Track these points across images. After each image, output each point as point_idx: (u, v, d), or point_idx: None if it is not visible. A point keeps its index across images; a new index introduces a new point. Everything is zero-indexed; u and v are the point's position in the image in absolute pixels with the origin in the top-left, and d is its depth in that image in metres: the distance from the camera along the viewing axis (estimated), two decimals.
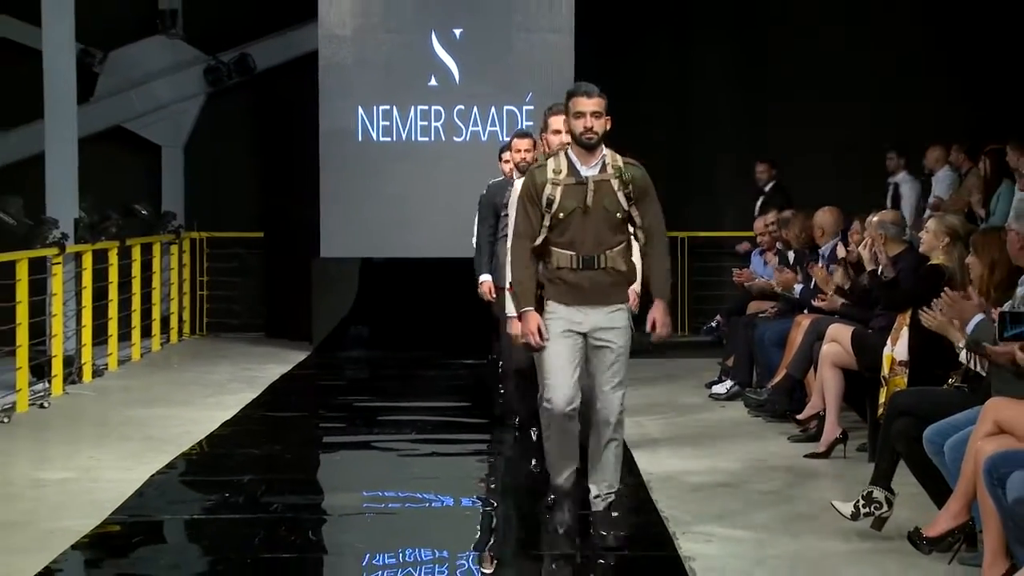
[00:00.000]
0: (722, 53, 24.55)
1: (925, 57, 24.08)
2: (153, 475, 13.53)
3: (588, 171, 10.17)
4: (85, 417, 17.09)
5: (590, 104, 9.92)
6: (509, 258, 10.66)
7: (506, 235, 15.27)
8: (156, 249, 23.16)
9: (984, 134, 18.97)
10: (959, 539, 9.42)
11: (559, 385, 10.29)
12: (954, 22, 24.05)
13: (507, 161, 15.71)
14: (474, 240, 16.12)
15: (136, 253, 22.17)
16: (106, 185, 22.40)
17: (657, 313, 10.46)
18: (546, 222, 10.12)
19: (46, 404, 17.60)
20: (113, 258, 21.16)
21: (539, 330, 10.18)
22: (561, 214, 10.05)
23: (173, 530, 12.28)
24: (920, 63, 24.01)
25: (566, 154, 10.24)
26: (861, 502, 10.71)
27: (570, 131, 10.70)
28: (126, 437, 15.54)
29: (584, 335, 10.41)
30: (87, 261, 20.00)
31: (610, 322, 10.36)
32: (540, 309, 10.44)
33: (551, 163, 10.32)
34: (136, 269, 22.11)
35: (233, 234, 25.15)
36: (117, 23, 24.84)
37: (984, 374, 9.95)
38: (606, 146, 10.78)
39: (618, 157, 10.12)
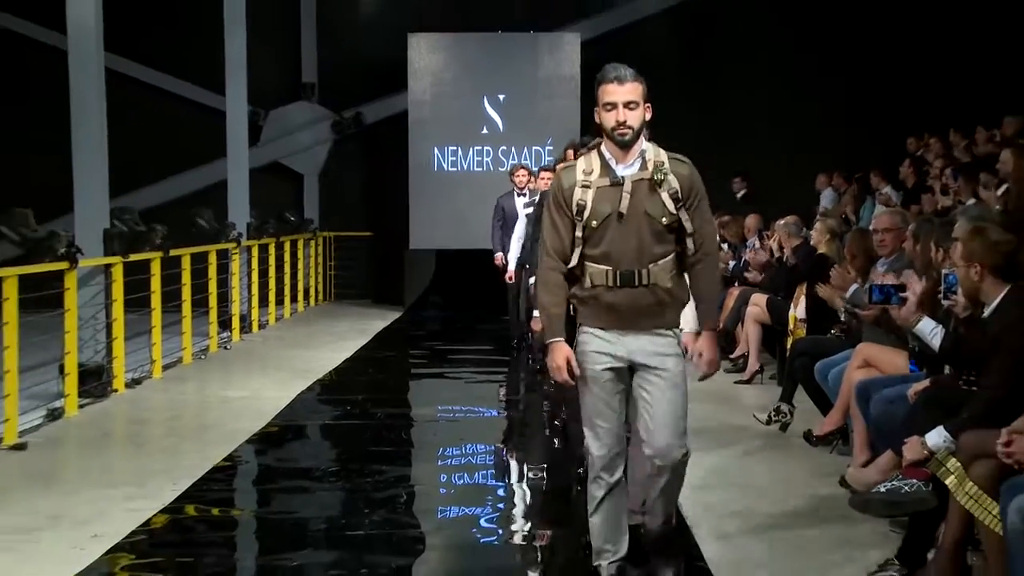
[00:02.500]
0: (691, 102, 23.75)
1: (840, 103, 23.35)
2: (298, 394, 13.68)
3: (625, 170, 6.16)
4: (254, 356, 17.19)
5: (623, 93, 6.08)
6: (536, 280, 6.77)
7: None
8: (300, 244, 23.17)
9: (858, 162, 18.82)
10: (837, 438, 9.60)
11: (602, 430, 6.29)
12: (848, 73, 23.29)
13: (517, 178, 16.65)
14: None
15: (287, 246, 22.25)
16: (267, 201, 22.35)
17: (705, 345, 6.47)
18: (579, 232, 6.13)
19: (228, 347, 17.82)
20: (272, 249, 21.33)
21: (568, 364, 6.20)
22: (594, 222, 6.08)
23: (312, 431, 12.43)
24: (832, 106, 23.28)
25: (599, 152, 6.25)
26: (772, 413, 10.96)
27: (601, 125, 6.60)
28: (281, 368, 15.69)
29: (628, 368, 6.29)
30: (255, 251, 20.24)
31: (657, 348, 6.22)
32: (573, 335, 6.41)
33: (581, 162, 6.34)
34: (287, 257, 22.17)
35: (351, 233, 25.12)
36: (274, 92, 24.72)
37: (856, 327, 10.02)
38: (648, 139, 6.67)
39: (661, 151, 6.28)
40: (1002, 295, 6.89)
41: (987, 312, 6.97)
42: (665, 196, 6.14)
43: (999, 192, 11.68)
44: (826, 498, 8.51)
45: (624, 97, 6.09)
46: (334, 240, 25.26)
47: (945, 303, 7.57)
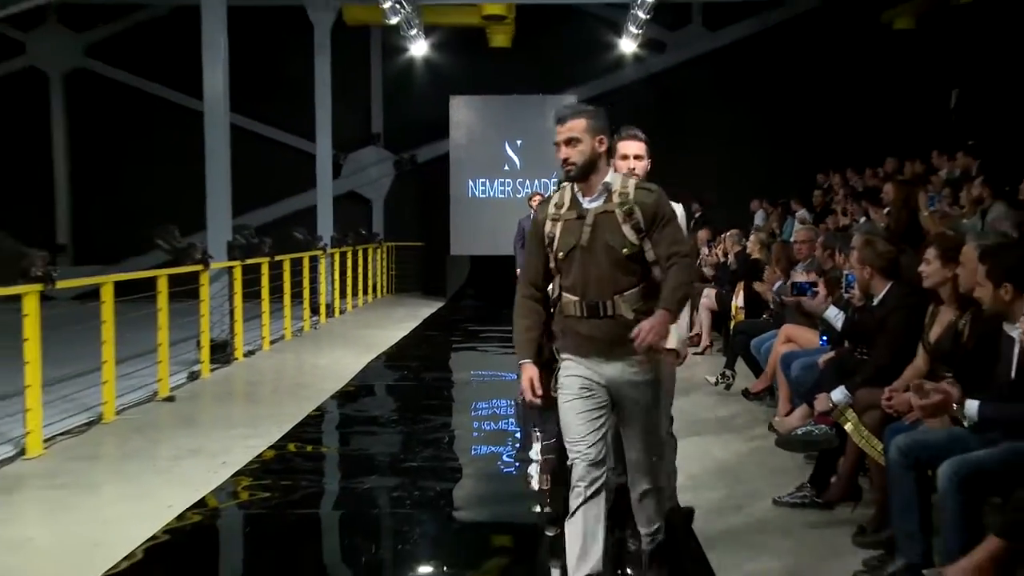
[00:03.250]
0: (660, 146, 23.70)
1: (767, 148, 23.46)
2: (369, 362, 13.72)
3: (590, 203, 4.94)
4: (336, 334, 17.15)
5: (563, 131, 4.91)
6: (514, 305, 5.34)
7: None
8: (370, 251, 23.13)
9: (781, 191, 18.91)
10: (767, 394, 9.52)
11: (577, 439, 4.96)
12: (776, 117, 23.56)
13: (533, 203, 14.78)
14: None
15: (360, 253, 22.15)
16: (345, 220, 22.35)
17: (652, 319, 4.79)
18: (552, 263, 5.00)
19: (317, 327, 17.80)
20: (349, 255, 21.24)
21: (532, 385, 4.99)
22: (560, 253, 4.91)
23: (379, 390, 12.48)
24: (761, 150, 23.40)
25: (572, 186, 5.04)
26: (720, 376, 10.90)
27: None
28: (355, 343, 15.61)
29: (609, 391, 5.01)
30: (336, 257, 20.24)
31: (629, 376, 4.95)
32: (552, 362, 5.16)
33: (555, 197, 5.19)
34: (360, 261, 22.09)
35: (407, 243, 25.11)
36: (351, 139, 24.74)
37: (780, 312, 10.02)
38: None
39: (631, 182, 5.01)
40: (886, 289, 6.88)
41: (875, 302, 6.97)
42: (627, 228, 4.80)
43: (884, 213, 11.71)
44: (758, 438, 8.50)
45: (564, 135, 4.91)
46: (394, 248, 25.23)
47: (845, 295, 7.60)
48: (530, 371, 4.94)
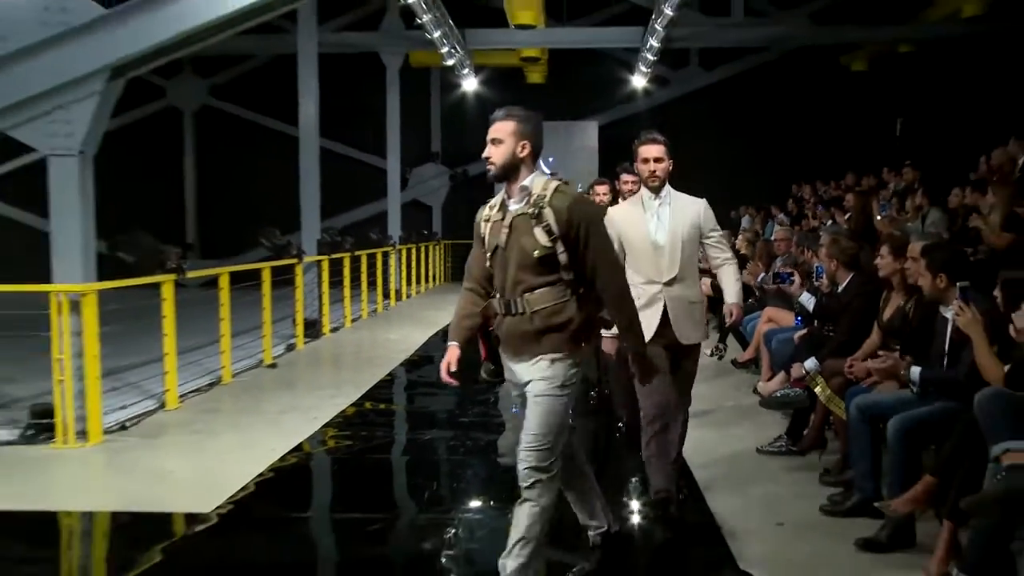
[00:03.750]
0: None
1: (752, 164, 23.32)
2: (429, 337, 13.67)
3: (513, 205, 4.16)
4: (402, 314, 17.16)
5: (490, 131, 4.19)
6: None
7: None
8: (430, 247, 23.13)
9: (763, 199, 18.82)
10: (752, 364, 9.47)
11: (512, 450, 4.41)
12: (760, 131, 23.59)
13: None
14: None
15: (422, 249, 22.12)
16: (410, 222, 22.44)
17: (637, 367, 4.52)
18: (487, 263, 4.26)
19: (388, 309, 17.79)
20: (414, 251, 21.19)
21: (448, 365, 4.26)
22: (488, 253, 4.22)
23: (437, 359, 12.29)
24: (746, 165, 23.24)
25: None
26: (714, 349, 10.79)
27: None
28: (418, 322, 15.54)
29: (522, 387, 4.20)
30: (403, 253, 20.22)
31: (534, 374, 4.10)
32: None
33: (493, 200, 4.38)
34: (422, 255, 22.08)
35: (460, 241, 24.98)
36: (415, 157, 24.80)
37: (763, 297, 9.97)
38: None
39: (552, 186, 4.13)
40: (849, 279, 6.88)
41: (840, 289, 6.96)
42: (539, 231, 3.98)
43: (846, 218, 11.69)
44: (745, 399, 8.47)
45: (490, 136, 4.21)
46: (450, 245, 25.20)
47: (816, 283, 7.57)
48: (452, 354, 4.23)
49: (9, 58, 7.43)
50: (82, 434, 7.18)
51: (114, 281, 7.87)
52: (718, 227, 5.55)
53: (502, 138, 4.15)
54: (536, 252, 4.01)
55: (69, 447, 7.11)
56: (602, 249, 4.10)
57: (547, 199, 4.04)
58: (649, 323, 5.02)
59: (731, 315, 5.55)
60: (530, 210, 4.05)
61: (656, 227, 5.29)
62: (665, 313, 5.18)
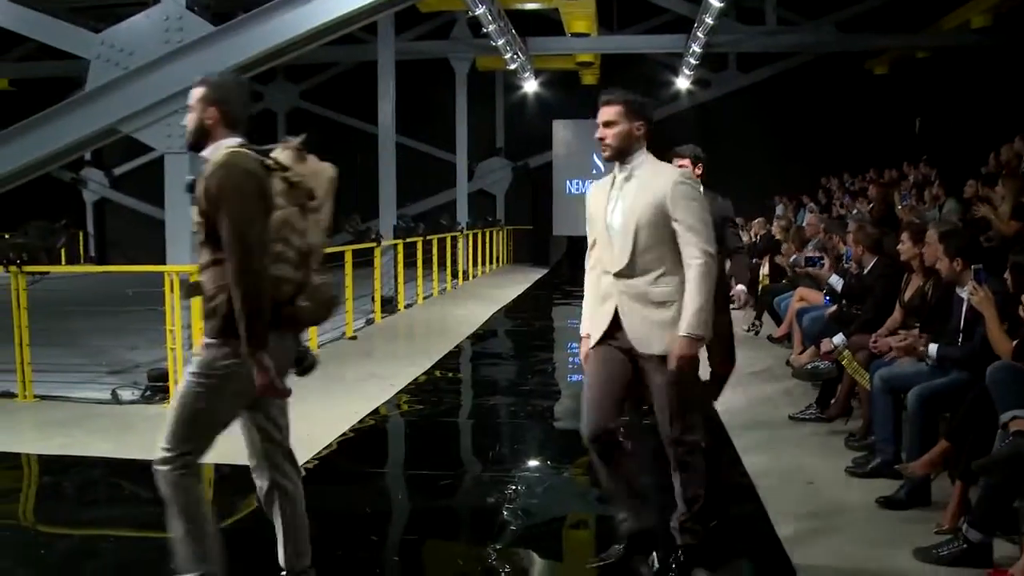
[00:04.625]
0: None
1: (785, 157, 23.04)
2: (492, 313, 13.75)
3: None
4: (470, 292, 17.16)
5: None
6: None
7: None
8: (495, 232, 23.12)
9: (796, 190, 18.67)
10: (785, 339, 9.32)
11: None
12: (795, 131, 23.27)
13: None
14: None
15: (488, 234, 22.08)
16: (477, 210, 22.53)
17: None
18: None
19: (456, 288, 17.78)
20: (480, 236, 21.15)
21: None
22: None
23: (500, 333, 12.45)
24: (781, 158, 22.95)
25: None
26: (750, 325, 10.76)
27: None
28: (483, 299, 15.57)
29: None
30: (471, 237, 20.22)
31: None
32: None
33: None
34: (488, 239, 22.05)
35: (521, 226, 25.13)
36: (481, 152, 24.73)
37: (795, 278, 9.86)
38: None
39: (221, 157, 3.08)
40: (873, 262, 6.82)
41: (865, 271, 6.89)
42: (194, 207, 3.17)
43: (869, 207, 11.53)
44: (778, 371, 8.40)
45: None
46: (512, 231, 25.21)
47: (844, 266, 7.48)
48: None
49: (136, 71, 7.81)
50: None
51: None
52: (701, 213, 3.65)
53: (191, 105, 3.35)
54: (195, 227, 3.20)
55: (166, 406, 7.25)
56: (227, 228, 3.06)
57: (204, 173, 3.14)
58: (599, 322, 3.85)
59: (676, 359, 3.58)
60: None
61: (614, 207, 3.78)
62: (617, 312, 3.76)
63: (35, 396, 7.56)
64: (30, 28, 9.10)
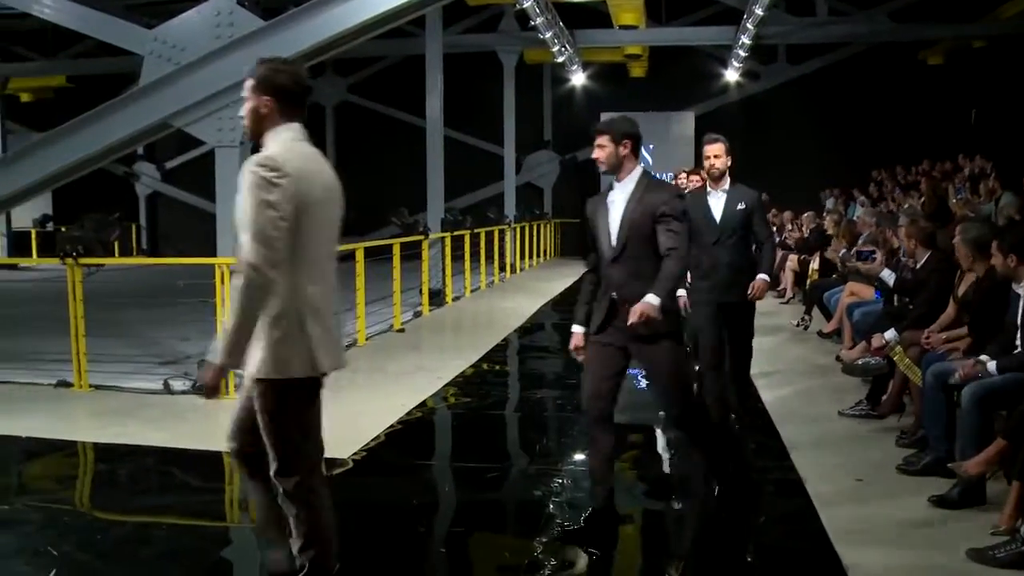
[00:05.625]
0: (752, 151, 23.30)
1: (836, 152, 22.75)
2: (539, 306, 13.74)
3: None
4: (515, 286, 17.18)
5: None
6: None
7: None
8: (542, 225, 23.13)
9: (846, 183, 18.38)
10: (835, 334, 9.22)
11: None
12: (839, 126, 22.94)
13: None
14: None
15: (535, 227, 22.10)
16: (525, 203, 22.56)
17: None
18: None
19: (504, 281, 17.79)
20: (527, 229, 21.18)
21: None
22: None
23: (547, 326, 12.42)
24: (831, 153, 22.67)
25: None
26: (800, 320, 10.61)
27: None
28: (530, 292, 15.57)
29: None
30: (518, 230, 20.17)
31: None
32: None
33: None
34: (535, 232, 22.06)
35: (568, 220, 24.99)
36: (529, 145, 24.73)
37: (845, 273, 9.74)
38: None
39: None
40: (926, 256, 6.73)
41: (918, 266, 6.80)
42: None
43: (920, 201, 11.35)
44: (826, 366, 8.28)
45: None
46: (559, 224, 25.18)
47: (903, 260, 7.40)
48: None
49: (187, 66, 7.91)
50: (240, 387, 7.26)
51: None
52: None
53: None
54: None
55: (230, 397, 7.32)
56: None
57: None
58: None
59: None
60: None
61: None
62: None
63: (90, 386, 7.73)
64: (87, 26, 9.29)
